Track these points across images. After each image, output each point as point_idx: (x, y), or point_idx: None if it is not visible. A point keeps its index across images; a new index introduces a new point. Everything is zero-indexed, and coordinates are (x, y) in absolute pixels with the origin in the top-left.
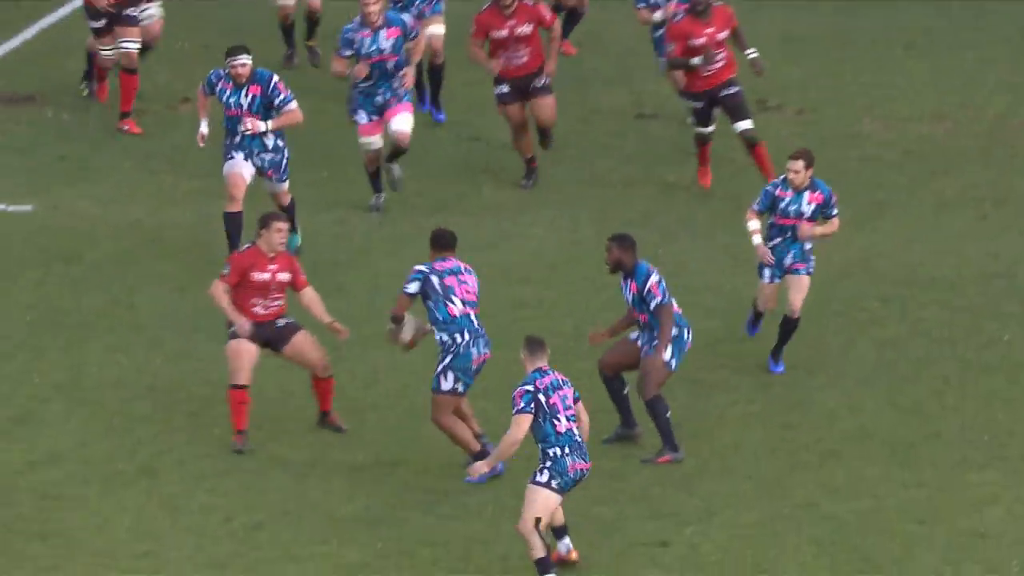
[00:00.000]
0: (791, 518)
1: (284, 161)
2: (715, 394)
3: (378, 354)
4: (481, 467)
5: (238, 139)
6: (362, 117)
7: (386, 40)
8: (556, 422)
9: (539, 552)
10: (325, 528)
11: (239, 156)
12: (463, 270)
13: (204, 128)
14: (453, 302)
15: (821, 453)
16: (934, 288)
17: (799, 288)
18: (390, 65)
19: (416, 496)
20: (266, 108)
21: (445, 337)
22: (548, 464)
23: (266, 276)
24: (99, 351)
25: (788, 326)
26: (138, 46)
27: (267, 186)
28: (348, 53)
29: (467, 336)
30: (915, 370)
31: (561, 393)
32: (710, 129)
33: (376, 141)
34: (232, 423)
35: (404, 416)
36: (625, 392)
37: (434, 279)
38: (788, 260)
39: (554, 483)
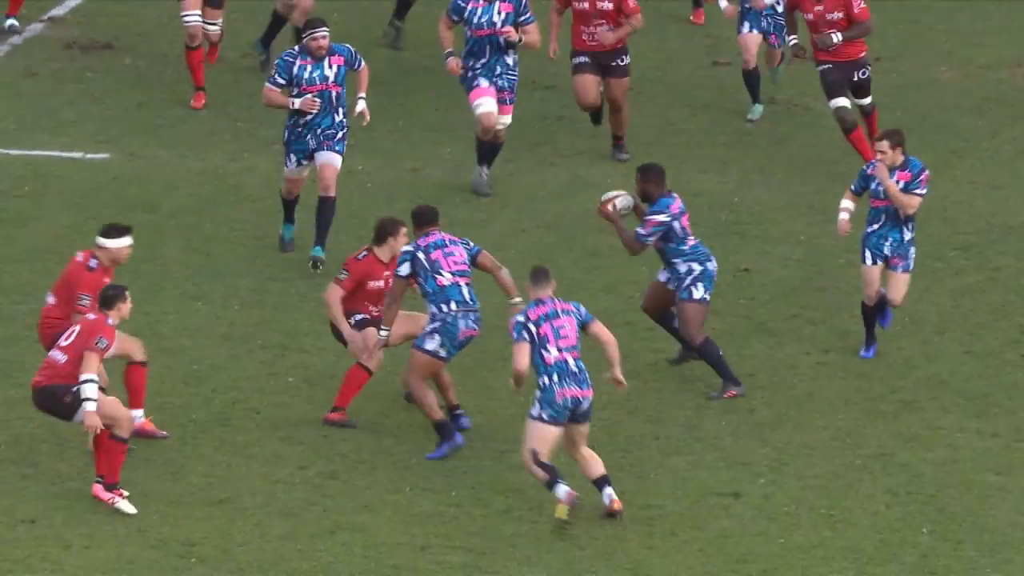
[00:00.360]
0: (865, 468)
1: (343, 134)
2: (789, 343)
3: None
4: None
5: (306, 119)
6: (482, 82)
7: (499, 15)
8: (545, 352)
9: (541, 478)
10: (398, 477)
11: (292, 160)
12: (448, 242)
13: (296, 102)
14: (441, 274)
15: (896, 403)
16: (1012, 236)
17: (898, 287)
18: (501, 40)
19: (488, 444)
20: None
21: (434, 308)
22: (539, 395)
23: (380, 284)
24: (176, 299)
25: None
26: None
27: (321, 157)
28: (456, 18)
29: (455, 307)
30: (992, 319)
31: (557, 323)
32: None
33: (489, 104)
34: (338, 398)
35: (474, 366)
36: (675, 325)
37: (420, 256)
38: (887, 250)
39: (544, 415)
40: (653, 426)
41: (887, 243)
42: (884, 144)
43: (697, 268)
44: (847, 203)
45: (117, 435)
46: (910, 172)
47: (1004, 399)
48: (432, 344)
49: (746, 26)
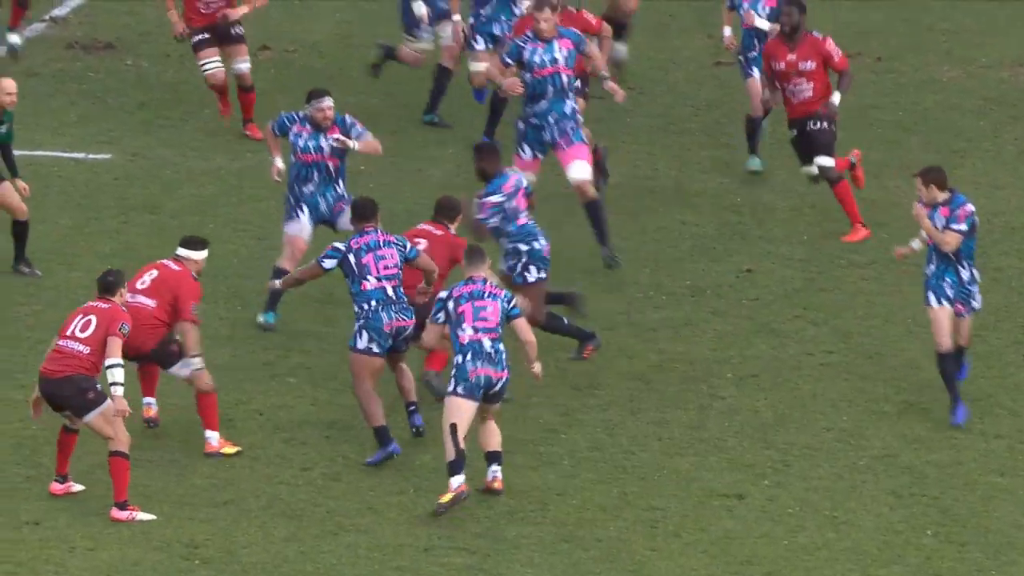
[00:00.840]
0: (869, 470)
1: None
2: (791, 344)
3: None
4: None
5: (309, 189)
6: (525, 152)
7: (560, 51)
8: (460, 332)
9: (449, 455)
10: (401, 478)
11: (304, 216)
12: (382, 243)
13: (279, 163)
14: (368, 279)
15: (899, 404)
16: (1014, 237)
17: (963, 333)
18: (565, 79)
19: None
20: (343, 152)
21: (356, 307)
22: (454, 371)
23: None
24: None
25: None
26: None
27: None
28: (510, 61)
29: (375, 304)
30: (995, 320)
31: (477, 304)
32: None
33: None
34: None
35: None
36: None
37: (351, 258)
38: (949, 291)
39: (459, 388)
40: (656, 427)
41: (946, 284)
42: (918, 182)
43: (524, 248)
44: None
45: (118, 451)
46: (950, 208)
47: (1007, 400)
48: (361, 342)
49: (754, 71)
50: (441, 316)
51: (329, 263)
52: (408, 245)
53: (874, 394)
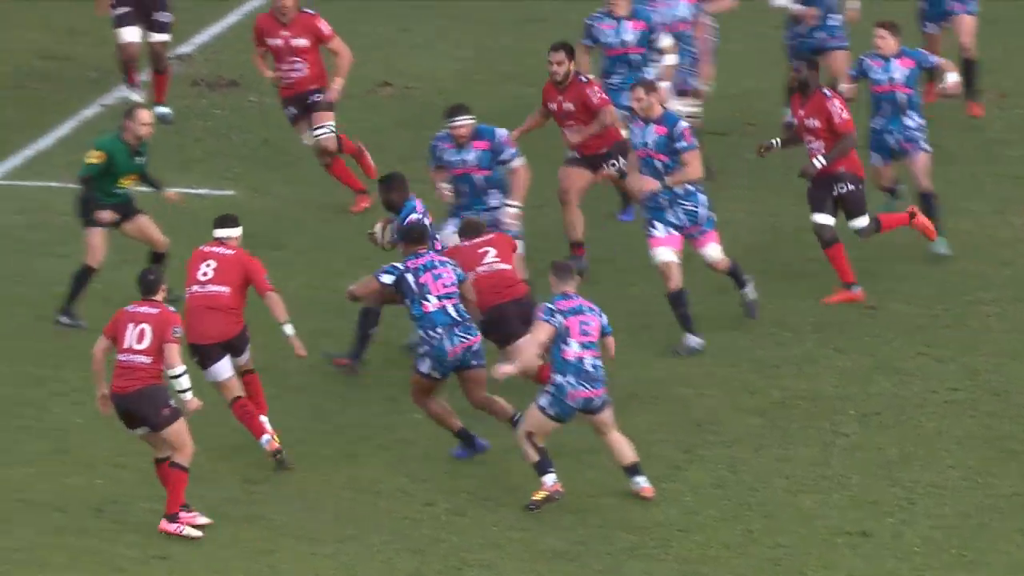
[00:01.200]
0: (997, 509)
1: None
2: (915, 381)
3: None
4: (508, 369)
5: (462, 202)
6: (658, 230)
7: (631, 31)
8: (565, 347)
9: (531, 458)
10: (524, 514)
11: (450, 227)
12: (437, 263)
13: (443, 186)
14: (428, 299)
15: None
16: None
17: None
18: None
19: (613, 482)
20: (494, 163)
21: (421, 333)
22: (550, 388)
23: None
24: (303, 335)
25: None
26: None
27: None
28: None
29: (440, 331)
30: None
31: (580, 319)
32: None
33: (666, 254)
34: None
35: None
36: None
37: (409, 278)
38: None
39: (551, 411)
40: (779, 464)
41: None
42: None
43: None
44: None
45: (178, 463)
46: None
47: None
48: (425, 367)
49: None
50: (552, 320)
51: (387, 278)
52: (459, 266)
53: (1001, 432)
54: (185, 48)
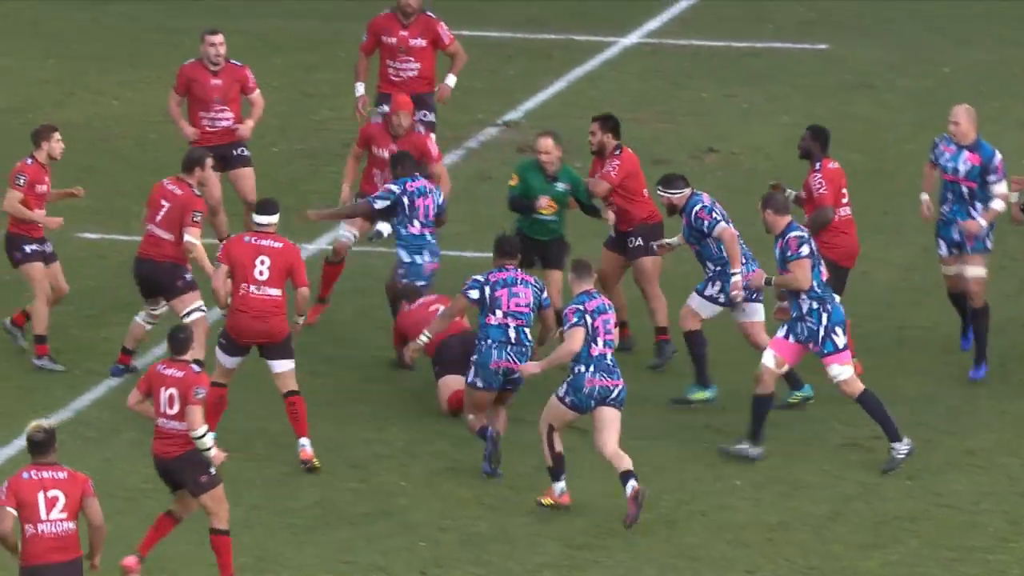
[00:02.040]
0: None
1: None
2: None
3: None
4: (533, 367)
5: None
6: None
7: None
8: (593, 344)
9: (546, 461)
10: None
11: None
12: (518, 281)
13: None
14: (495, 313)
15: None
16: None
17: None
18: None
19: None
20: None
21: (477, 342)
22: (569, 379)
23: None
24: None
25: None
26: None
27: None
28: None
29: (490, 342)
30: None
31: (604, 317)
32: None
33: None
34: None
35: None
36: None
37: (487, 290)
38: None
39: (568, 399)
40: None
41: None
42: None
43: (405, 258)
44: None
45: (218, 528)
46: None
47: None
48: (470, 376)
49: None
50: (583, 323)
51: (474, 293)
52: (545, 293)
53: None
54: (513, 114)
